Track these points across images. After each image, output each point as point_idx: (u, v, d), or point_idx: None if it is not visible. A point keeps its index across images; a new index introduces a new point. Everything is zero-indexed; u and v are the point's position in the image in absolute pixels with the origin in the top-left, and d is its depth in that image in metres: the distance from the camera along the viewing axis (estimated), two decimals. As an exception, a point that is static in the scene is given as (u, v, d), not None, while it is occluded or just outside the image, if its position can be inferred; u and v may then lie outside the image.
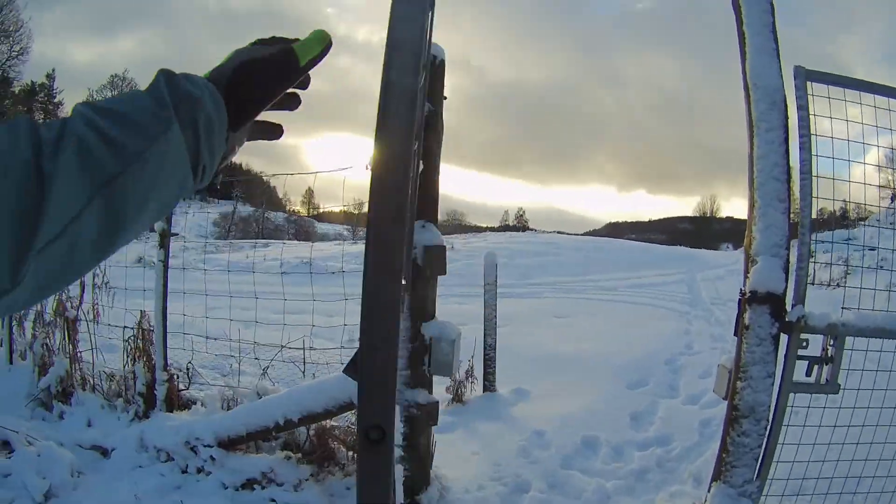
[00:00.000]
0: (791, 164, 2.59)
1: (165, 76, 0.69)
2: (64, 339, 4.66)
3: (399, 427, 3.16)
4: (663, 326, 9.41)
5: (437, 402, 3.29)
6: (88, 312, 4.73)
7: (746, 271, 2.59)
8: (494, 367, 5.75)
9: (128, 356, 4.46)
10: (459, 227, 76.27)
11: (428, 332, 3.09)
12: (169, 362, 4.30)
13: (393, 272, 0.81)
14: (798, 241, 2.68)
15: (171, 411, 4.13)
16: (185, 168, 0.68)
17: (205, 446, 3.50)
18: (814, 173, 2.62)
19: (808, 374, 2.57)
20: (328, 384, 3.43)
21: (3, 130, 0.56)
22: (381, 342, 0.81)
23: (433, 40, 3.14)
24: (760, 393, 2.48)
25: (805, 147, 2.61)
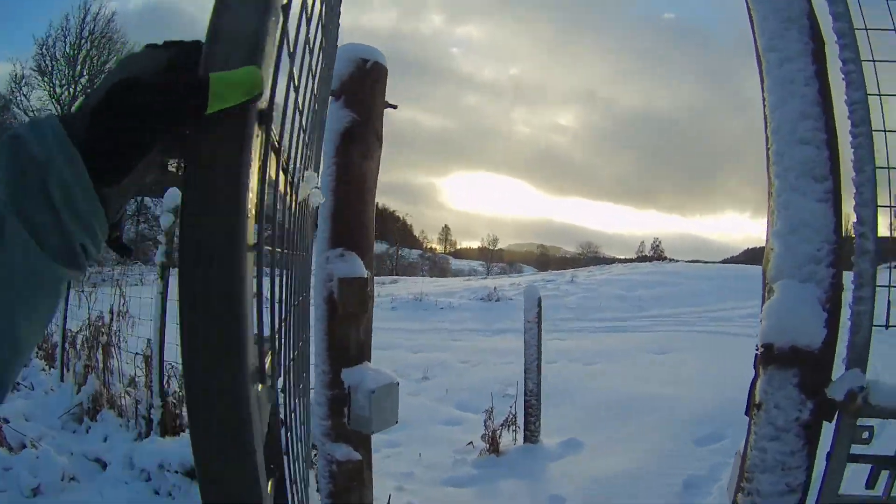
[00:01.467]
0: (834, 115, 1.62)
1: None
2: (97, 361, 5.35)
3: (323, 484, 2.61)
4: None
5: (359, 459, 2.60)
6: (116, 337, 5.42)
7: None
8: (538, 415, 4.96)
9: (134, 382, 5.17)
10: (594, 259, 75.26)
11: (347, 380, 2.50)
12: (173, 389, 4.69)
13: (211, 309, 0.54)
14: (855, 253, 1.64)
15: (165, 435, 4.36)
16: (44, 263, 0.53)
17: (173, 472, 3.71)
18: (877, 126, 1.61)
19: (870, 485, 1.59)
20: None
21: None
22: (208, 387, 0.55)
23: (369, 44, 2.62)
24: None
25: (852, 81, 1.60)
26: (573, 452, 4.73)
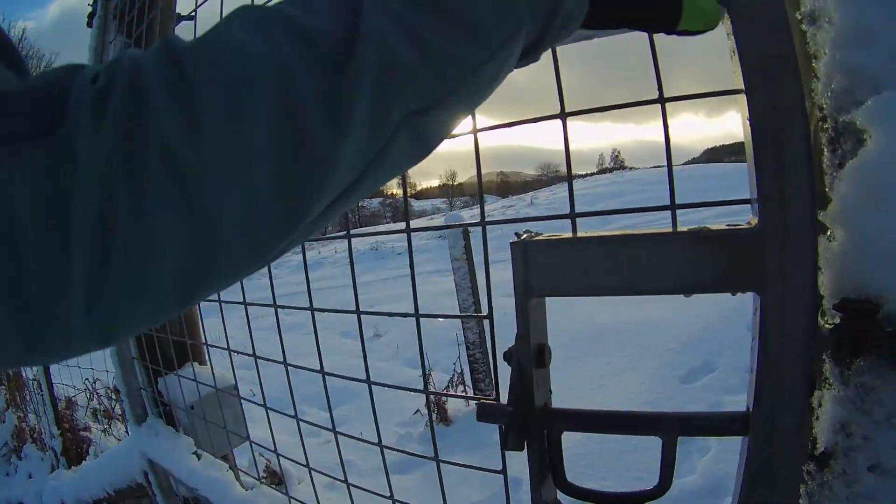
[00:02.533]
0: None
1: None
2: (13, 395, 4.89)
3: None
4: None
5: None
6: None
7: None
8: (487, 369, 4.05)
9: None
10: (555, 178, 74.99)
11: (165, 393, 1.96)
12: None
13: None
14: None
15: (70, 465, 3.78)
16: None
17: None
18: None
19: None
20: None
21: (252, 31, 0.38)
22: None
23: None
24: None
25: None
26: (536, 407, 3.84)
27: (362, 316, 1.17)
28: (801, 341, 0.72)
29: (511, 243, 0.84)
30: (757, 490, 0.80)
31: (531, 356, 0.88)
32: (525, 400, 0.88)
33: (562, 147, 0.86)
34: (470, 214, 19.63)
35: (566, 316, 5.37)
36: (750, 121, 0.71)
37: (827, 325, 0.68)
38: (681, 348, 4.28)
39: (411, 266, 1.07)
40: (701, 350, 4.15)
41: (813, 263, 0.70)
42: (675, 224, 0.78)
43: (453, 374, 4.29)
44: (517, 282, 0.85)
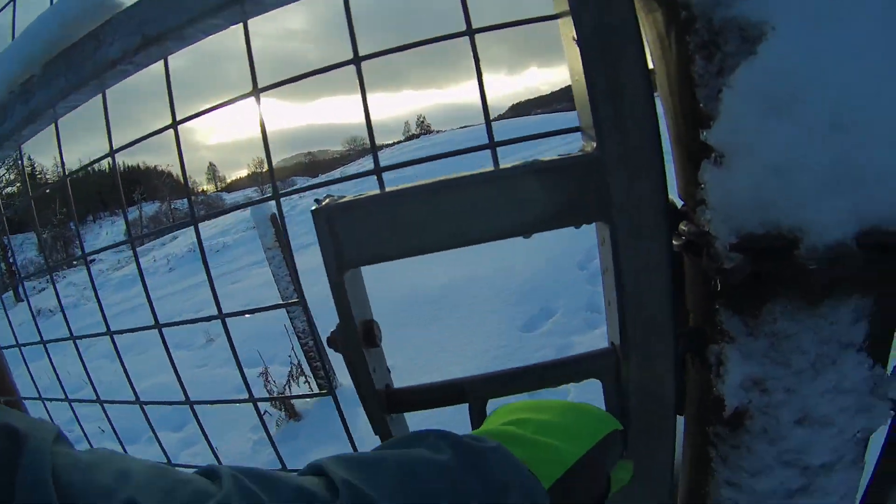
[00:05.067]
0: None
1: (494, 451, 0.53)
2: None
3: None
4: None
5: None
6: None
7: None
8: (324, 357, 3.90)
9: None
10: (363, 151, 74.84)
11: None
12: None
13: None
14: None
15: None
16: None
17: None
18: None
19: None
20: None
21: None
22: None
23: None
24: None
25: None
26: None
27: (196, 324, 1.01)
28: (658, 269, 0.68)
29: (312, 211, 0.72)
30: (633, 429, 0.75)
31: (359, 337, 0.77)
32: (367, 386, 0.79)
33: (364, 120, 0.75)
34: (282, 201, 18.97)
35: (383, 285, 5.26)
36: (578, 41, 0.63)
37: (716, 268, 0.61)
38: (515, 299, 4.37)
39: (205, 263, 0.92)
40: (536, 297, 4.26)
41: (662, 187, 0.65)
42: (496, 164, 0.71)
43: (291, 367, 4.12)
44: (326, 254, 0.73)
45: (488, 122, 0.71)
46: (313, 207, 0.72)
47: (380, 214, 0.70)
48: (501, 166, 0.70)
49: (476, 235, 0.69)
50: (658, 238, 0.67)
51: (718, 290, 0.63)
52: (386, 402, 0.81)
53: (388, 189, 0.71)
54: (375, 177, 0.73)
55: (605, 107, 0.64)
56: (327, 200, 0.74)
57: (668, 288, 0.69)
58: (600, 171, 0.65)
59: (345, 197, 0.74)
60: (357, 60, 0.71)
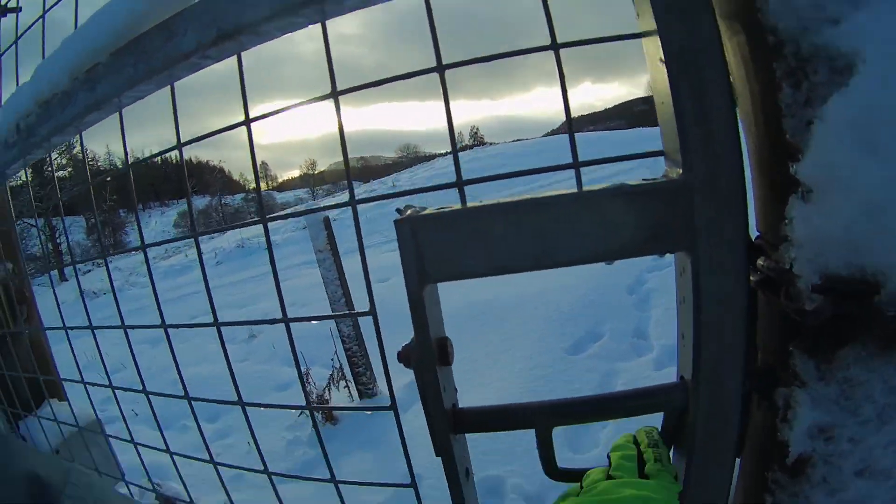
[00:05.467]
0: None
1: None
2: None
3: None
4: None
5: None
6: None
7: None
8: (367, 363, 3.90)
9: None
10: (415, 159, 75.29)
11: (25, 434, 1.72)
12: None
13: None
14: None
15: None
16: None
17: None
18: None
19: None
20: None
21: None
22: None
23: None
24: None
25: None
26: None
27: (239, 314, 0.97)
28: (736, 305, 0.63)
29: (395, 222, 0.69)
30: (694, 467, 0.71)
31: (434, 353, 0.74)
32: (436, 404, 0.76)
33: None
34: (333, 202, 19.17)
35: (451, 298, 5.24)
36: (666, 62, 0.59)
37: (795, 309, 0.56)
38: (562, 320, 4.30)
39: (273, 265, 0.89)
40: (583, 319, 4.19)
41: (745, 220, 0.61)
42: (579, 185, 0.66)
43: (332, 370, 4.12)
44: (408, 267, 0.70)
45: (573, 141, 0.68)
46: (396, 218, 0.69)
47: (464, 229, 0.68)
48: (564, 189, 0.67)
49: (562, 258, 0.66)
50: (739, 272, 0.63)
51: (796, 331, 0.59)
52: (452, 422, 0.78)
53: (470, 204, 0.68)
54: (457, 189, 0.70)
55: (694, 131, 0.60)
56: (409, 211, 0.71)
57: (744, 325, 0.64)
58: (687, 197, 0.62)
59: (427, 209, 0.71)
60: (441, 69, 0.69)
